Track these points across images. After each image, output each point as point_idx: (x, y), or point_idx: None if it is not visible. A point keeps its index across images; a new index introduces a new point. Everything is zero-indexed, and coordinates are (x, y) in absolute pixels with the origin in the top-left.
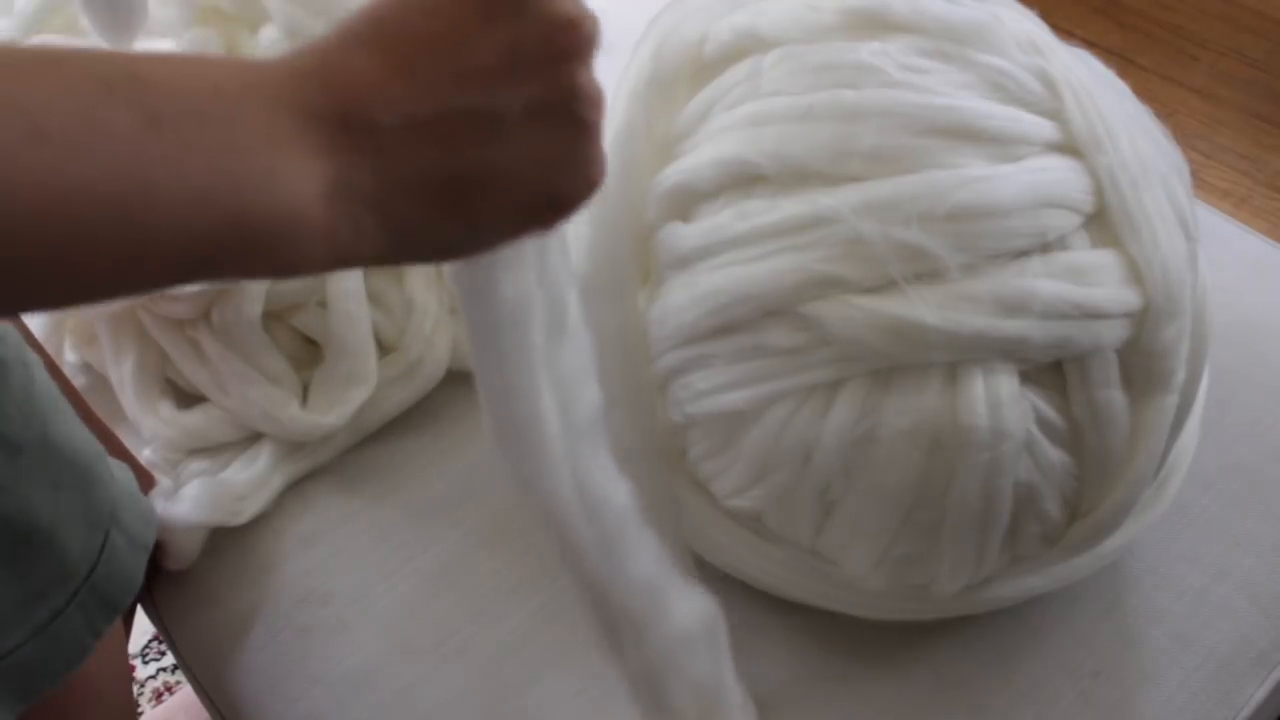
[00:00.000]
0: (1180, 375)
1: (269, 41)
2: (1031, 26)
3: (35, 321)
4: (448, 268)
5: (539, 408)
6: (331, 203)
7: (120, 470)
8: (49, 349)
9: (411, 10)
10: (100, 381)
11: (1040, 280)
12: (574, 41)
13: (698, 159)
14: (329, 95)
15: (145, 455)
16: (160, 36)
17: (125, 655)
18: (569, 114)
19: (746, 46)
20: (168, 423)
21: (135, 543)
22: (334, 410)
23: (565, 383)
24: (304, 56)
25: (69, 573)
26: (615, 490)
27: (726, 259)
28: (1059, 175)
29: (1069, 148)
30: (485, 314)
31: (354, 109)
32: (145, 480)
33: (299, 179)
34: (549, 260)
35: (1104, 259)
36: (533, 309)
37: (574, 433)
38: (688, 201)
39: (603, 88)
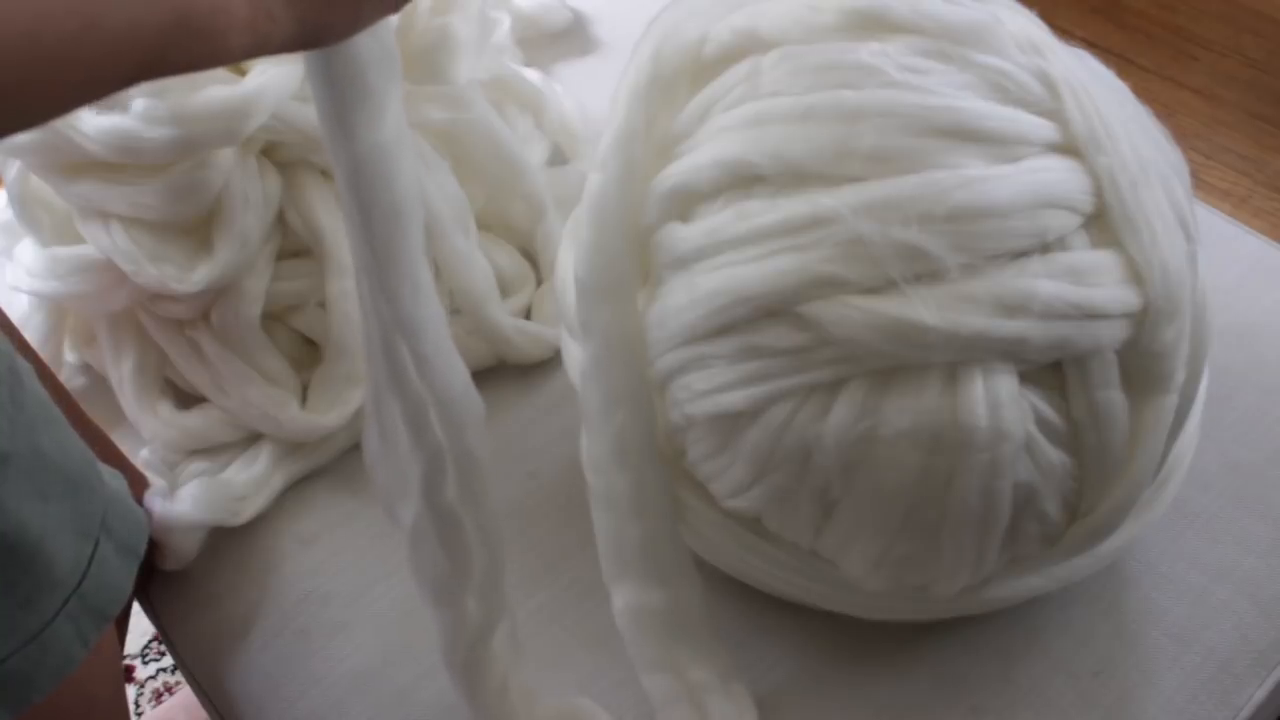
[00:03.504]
0: (1180, 375)
1: None
2: (1031, 27)
3: (33, 324)
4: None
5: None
6: None
7: (112, 477)
8: (48, 349)
9: None
10: (100, 382)
11: (1040, 280)
12: None
13: (697, 159)
14: None
15: (144, 456)
16: None
17: (119, 659)
18: None
19: (746, 47)
20: (167, 423)
21: (125, 551)
22: (333, 410)
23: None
24: None
25: (58, 583)
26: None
27: (726, 259)
28: (1059, 176)
29: (1069, 148)
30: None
31: None
32: (140, 484)
33: None
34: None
35: (1104, 259)
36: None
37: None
38: (687, 202)
39: None
